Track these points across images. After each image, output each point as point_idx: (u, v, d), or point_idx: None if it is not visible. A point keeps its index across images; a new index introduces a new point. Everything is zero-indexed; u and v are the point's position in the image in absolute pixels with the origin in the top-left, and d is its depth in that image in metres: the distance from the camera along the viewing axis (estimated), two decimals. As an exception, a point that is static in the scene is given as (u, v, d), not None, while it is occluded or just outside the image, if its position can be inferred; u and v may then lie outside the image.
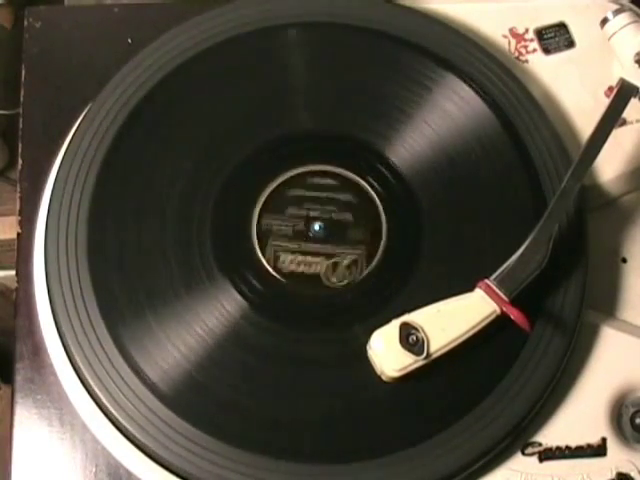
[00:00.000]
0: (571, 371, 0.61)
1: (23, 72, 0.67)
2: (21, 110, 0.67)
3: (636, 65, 0.65)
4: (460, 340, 0.57)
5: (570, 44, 0.70)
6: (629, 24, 0.68)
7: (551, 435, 0.60)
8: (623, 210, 0.67)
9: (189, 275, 0.60)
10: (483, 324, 0.57)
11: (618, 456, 0.60)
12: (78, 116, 0.65)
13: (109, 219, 0.61)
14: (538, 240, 0.59)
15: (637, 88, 0.64)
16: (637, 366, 0.61)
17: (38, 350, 0.61)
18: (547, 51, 0.70)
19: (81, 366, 0.58)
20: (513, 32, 0.70)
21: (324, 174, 0.64)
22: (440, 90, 0.66)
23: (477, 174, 0.64)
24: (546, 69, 0.69)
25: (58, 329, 0.60)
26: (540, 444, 0.60)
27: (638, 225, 0.66)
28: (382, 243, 0.63)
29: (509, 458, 0.59)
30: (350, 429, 0.58)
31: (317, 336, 0.60)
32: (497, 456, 0.59)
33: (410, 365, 0.56)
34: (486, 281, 0.58)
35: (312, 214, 0.63)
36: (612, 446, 0.60)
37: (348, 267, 0.61)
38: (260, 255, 0.62)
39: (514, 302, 0.57)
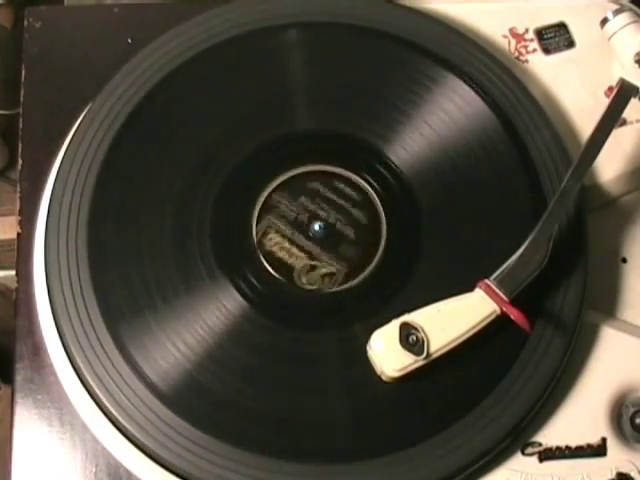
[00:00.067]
0: (571, 371, 0.61)
1: (23, 72, 0.67)
2: (21, 110, 0.67)
3: (636, 65, 0.65)
4: (460, 340, 0.57)
5: (570, 44, 0.70)
6: (629, 24, 0.68)
7: (551, 435, 0.60)
8: (623, 210, 0.67)
9: (189, 275, 0.60)
10: (483, 324, 0.57)
11: (618, 456, 0.60)
12: (78, 116, 0.65)
13: (109, 219, 0.61)
14: (538, 240, 0.59)
15: (637, 88, 0.64)
16: (637, 366, 0.61)
17: (38, 350, 0.61)
18: (547, 51, 0.70)
19: (81, 366, 0.58)
20: (513, 32, 0.70)
21: (352, 184, 0.63)
22: (440, 90, 0.66)
23: (477, 174, 0.64)
24: (546, 69, 0.69)
25: (58, 329, 0.60)
26: (540, 444, 0.60)
27: (638, 225, 0.66)
28: (382, 243, 0.63)
29: (509, 458, 0.59)
30: (350, 429, 0.58)
31: (317, 336, 0.60)
32: (497, 456, 0.59)
33: (410, 365, 0.56)
34: (486, 281, 0.58)
35: (320, 213, 0.63)
36: (612, 446, 0.60)
37: (322, 276, 0.61)
38: (260, 255, 0.62)
39: (514, 302, 0.57)
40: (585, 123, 0.67)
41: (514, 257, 0.58)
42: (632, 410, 0.61)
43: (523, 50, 0.70)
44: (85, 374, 0.58)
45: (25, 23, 0.69)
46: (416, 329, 0.57)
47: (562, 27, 0.71)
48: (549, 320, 0.60)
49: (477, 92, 0.66)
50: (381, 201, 0.64)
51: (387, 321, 0.57)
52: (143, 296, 0.59)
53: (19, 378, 0.60)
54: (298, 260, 0.62)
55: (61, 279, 0.60)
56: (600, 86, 0.69)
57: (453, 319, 0.57)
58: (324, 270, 0.61)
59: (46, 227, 0.61)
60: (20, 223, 0.64)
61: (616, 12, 0.68)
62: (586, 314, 0.62)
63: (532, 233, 0.59)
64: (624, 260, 0.66)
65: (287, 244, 0.62)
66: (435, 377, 0.58)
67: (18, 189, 0.65)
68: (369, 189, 0.64)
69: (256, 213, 0.63)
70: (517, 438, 0.59)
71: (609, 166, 0.66)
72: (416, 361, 0.56)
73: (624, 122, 0.67)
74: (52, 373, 0.60)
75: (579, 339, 0.61)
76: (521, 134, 0.65)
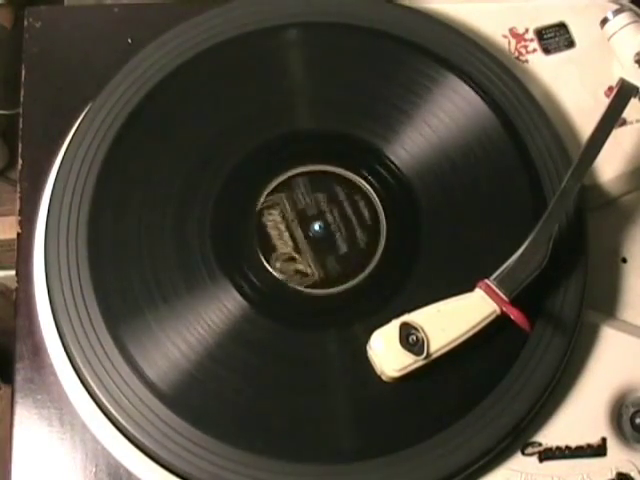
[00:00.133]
0: (571, 371, 0.61)
1: (23, 72, 0.67)
2: (21, 110, 0.67)
3: (636, 65, 0.65)
4: (460, 340, 0.57)
5: (570, 44, 0.70)
6: (629, 24, 0.68)
7: (551, 435, 0.60)
8: (623, 210, 0.67)
9: (189, 275, 0.60)
10: (483, 324, 0.57)
11: (618, 456, 0.60)
12: (78, 116, 0.65)
13: (109, 219, 0.61)
14: (538, 240, 0.59)
15: (637, 88, 0.64)
16: (637, 366, 0.61)
17: (38, 350, 0.61)
18: (547, 51, 0.70)
19: (81, 366, 0.58)
20: (513, 32, 0.70)
21: (370, 204, 0.63)
22: (440, 90, 0.66)
23: (477, 174, 0.64)
24: (546, 69, 0.69)
25: (58, 329, 0.60)
26: (540, 444, 0.60)
27: (638, 225, 0.66)
28: (382, 243, 0.63)
29: (509, 458, 0.59)
30: (350, 429, 0.58)
31: (317, 336, 0.60)
32: (497, 456, 0.59)
33: (410, 365, 0.56)
34: (486, 281, 0.58)
35: (328, 217, 0.63)
36: (612, 446, 0.60)
37: (296, 271, 0.61)
38: (261, 255, 0.62)
39: (514, 302, 0.57)
40: (585, 123, 0.67)
41: (514, 257, 0.58)
42: (632, 410, 0.61)
43: (523, 50, 0.70)
44: (85, 374, 0.58)
45: (25, 23, 0.69)
46: (416, 329, 0.57)
47: (562, 27, 0.71)
48: (549, 320, 0.60)
49: (477, 92, 0.66)
50: (381, 201, 0.64)
51: (387, 321, 0.57)
52: (143, 296, 0.59)
53: (19, 378, 0.60)
54: (283, 246, 0.62)
55: (61, 279, 0.60)
56: (600, 86, 0.69)
57: (453, 319, 0.57)
58: (300, 267, 0.61)
59: (46, 227, 0.61)
60: (20, 223, 0.64)
61: (616, 12, 0.68)
62: (586, 314, 0.62)
63: (532, 233, 0.59)
64: (624, 260, 0.66)
65: (283, 227, 0.62)
66: (435, 377, 0.58)
67: (18, 189, 0.65)
68: (369, 189, 0.64)
69: (256, 212, 0.63)
70: (517, 438, 0.59)
71: (609, 166, 0.66)
72: (416, 361, 0.56)
73: (624, 122, 0.67)
74: (52, 373, 0.60)
75: (579, 339, 0.61)
76: (521, 134, 0.65)
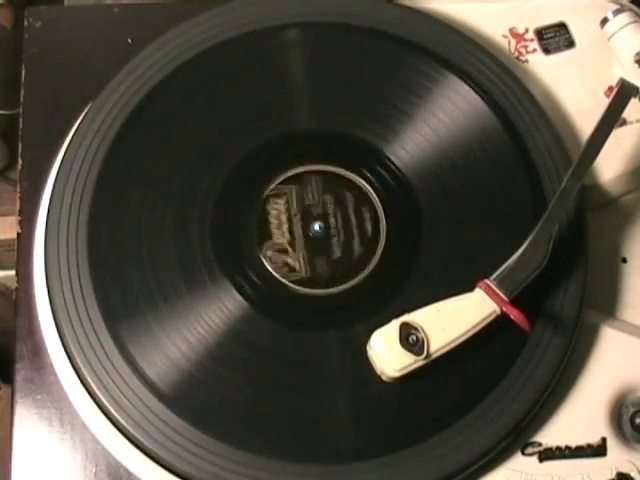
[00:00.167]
0: (571, 371, 0.61)
1: (23, 72, 0.67)
2: (21, 110, 0.67)
3: (636, 65, 0.65)
4: (460, 340, 0.57)
5: (570, 44, 0.70)
6: (629, 24, 0.68)
7: (551, 435, 0.60)
8: (623, 210, 0.67)
9: (190, 275, 0.60)
10: (483, 324, 0.57)
11: (618, 456, 0.60)
12: (78, 116, 0.65)
13: (109, 219, 0.61)
14: (538, 240, 0.59)
15: (637, 88, 0.64)
16: (637, 366, 0.61)
17: (38, 350, 0.61)
18: (547, 51, 0.70)
19: (81, 366, 0.58)
20: (513, 32, 0.70)
21: (375, 219, 0.63)
22: (440, 90, 0.66)
23: (477, 174, 0.64)
24: (546, 69, 0.69)
25: (58, 329, 0.60)
26: (540, 444, 0.60)
27: (638, 225, 0.66)
28: (382, 243, 0.63)
29: (509, 458, 0.59)
30: (350, 429, 0.58)
31: (317, 335, 0.60)
32: (497, 456, 0.59)
33: (410, 365, 0.56)
34: (486, 281, 0.58)
35: (331, 220, 0.63)
36: (612, 446, 0.60)
37: (284, 263, 0.61)
38: (261, 256, 0.62)
39: (514, 302, 0.57)
40: (585, 123, 0.67)
41: (514, 257, 0.58)
42: (632, 410, 0.61)
43: (523, 50, 0.70)
44: (85, 374, 0.58)
45: (25, 23, 0.69)
46: (416, 329, 0.57)
47: (562, 27, 0.71)
48: (549, 320, 0.60)
49: (477, 92, 0.66)
50: (381, 201, 0.64)
51: (387, 321, 0.57)
52: (143, 296, 0.59)
53: (19, 378, 0.60)
54: (279, 236, 0.62)
55: (61, 279, 0.60)
56: (600, 86, 0.69)
57: (453, 319, 0.57)
58: (290, 260, 0.61)
59: (46, 227, 0.61)
60: (20, 223, 0.64)
61: (616, 12, 0.68)
62: (586, 314, 0.62)
63: (532, 233, 0.59)
64: (624, 260, 0.66)
65: (284, 218, 0.62)
66: (435, 377, 0.58)
67: (18, 189, 0.65)
68: (369, 189, 0.64)
69: (256, 212, 0.62)
70: (517, 438, 0.59)
71: (609, 166, 0.66)
72: (416, 361, 0.56)
73: (624, 122, 0.67)
74: (52, 373, 0.60)
75: (579, 339, 0.61)
76: (521, 134, 0.65)
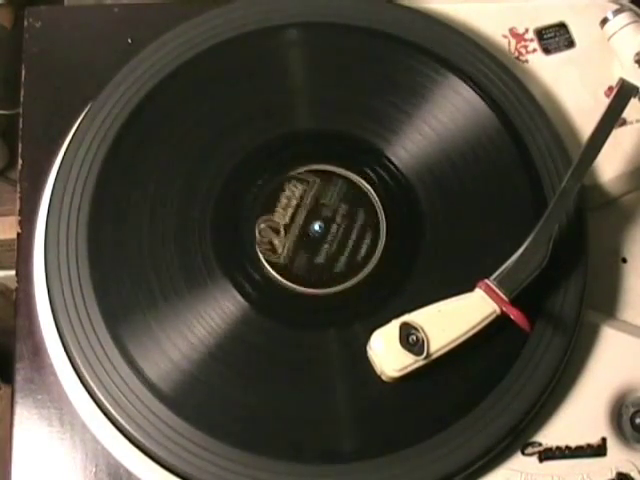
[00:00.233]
0: (571, 371, 0.61)
1: (23, 72, 0.67)
2: (21, 110, 0.67)
3: (636, 65, 0.65)
4: (460, 340, 0.57)
5: (570, 44, 0.70)
6: (629, 24, 0.68)
7: (551, 435, 0.60)
8: (623, 210, 0.67)
9: (190, 275, 0.60)
10: (483, 324, 0.57)
11: (618, 456, 0.60)
12: (78, 116, 0.65)
13: (109, 219, 0.61)
14: (538, 240, 0.59)
15: (637, 88, 0.64)
16: (637, 366, 0.61)
17: (38, 350, 0.61)
18: (547, 51, 0.70)
19: (81, 366, 0.58)
20: (513, 32, 0.70)
21: (375, 226, 0.63)
22: (440, 90, 0.66)
23: (477, 174, 0.64)
24: (546, 69, 0.69)
25: (58, 329, 0.60)
26: (540, 444, 0.60)
27: (638, 225, 0.66)
28: (382, 243, 0.63)
29: (509, 458, 0.59)
30: (350, 429, 0.58)
31: (317, 336, 0.60)
32: (497, 456, 0.59)
33: (410, 365, 0.56)
34: (486, 281, 0.58)
35: (332, 227, 0.62)
36: (612, 446, 0.60)
37: (269, 242, 0.61)
38: (261, 256, 0.62)
39: (514, 302, 0.57)
40: (585, 123, 0.67)
41: (514, 257, 0.58)
42: (632, 410, 0.61)
43: (523, 50, 0.70)
44: (85, 374, 0.58)
45: (25, 23, 0.69)
46: (416, 329, 0.57)
47: (562, 27, 0.71)
48: (549, 320, 0.60)
49: (477, 92, 0.66)
50: (381, 201, 0.64)
51: (387, 321, 0.57)
52: (143, 296, 0.59)
53: (19, 378, 0.60)
54: (280, 216, 0.62)
55: (61, 279, 0.60)
56: (600, 86, 0.69)
57: (453, 319, 0.57)
58: (276, 242, 0.61)
59: (46, 227, 0.61)
60: (20, 223, 0.64)
61: (616, 12, 0.68)
62: (586, 314, 0.62)
63: (532, 233, 0.59)
64: (624, 260, 0.66)
65: (294, 203, 0.62)
66: (435, 377, 0.58)
67: (18, 189, 0.65)
68: (369, 189, 0.64)
69: (257, 212, 0.62)
70: (517, 438, 0.59)
71: (609, 166, 0.66)
72: (416, 361, 0.56)
73: (624, 122, 0.67)
74: (52, 373, 0.60)
75: (579, 339, 0.61)
76: (521, 134, 0.65)
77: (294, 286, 0.61)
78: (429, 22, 0.69)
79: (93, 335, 0.58)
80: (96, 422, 0.59)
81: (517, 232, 0.60)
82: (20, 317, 0.62)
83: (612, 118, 0.62)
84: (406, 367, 0.56)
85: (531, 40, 0.70)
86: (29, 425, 0.59)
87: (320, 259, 0.62)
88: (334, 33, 0.68)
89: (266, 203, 0.62)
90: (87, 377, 0.58)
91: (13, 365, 0.61)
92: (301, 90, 0.67)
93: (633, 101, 0.64)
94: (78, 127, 0.64)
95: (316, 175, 0.64)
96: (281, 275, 0.61)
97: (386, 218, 0.63)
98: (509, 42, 0.70)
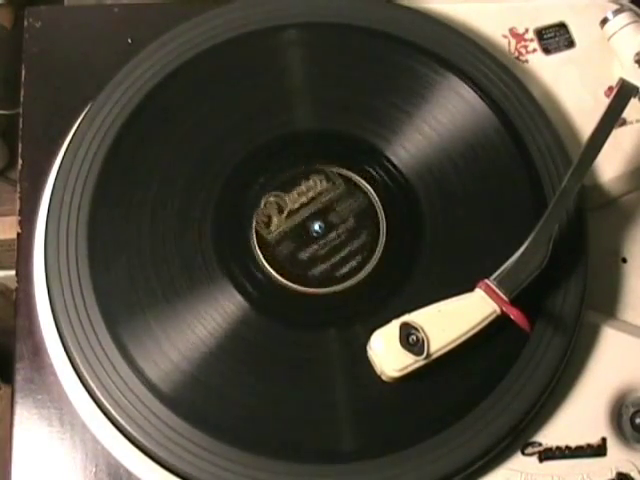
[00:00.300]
0: (571, 371, 0.61)
1: (23, 72, 0.67)
2: (21, 110, 0.67)
3: (636, 65, 0.65)
4: (460, 340, 0.57)
5: (570, 44, 0.70)
6: (629, 24, 0.68)
7: (551, 435, 0.60)
8: (623, 210, 0.67)
9: (190, 275, 0.60)
10: (483, 324, 0.57)
11: (618, 456, 0.60)
12: (78, 116, 0.65)
13: (109, 219, 0.61)
14: (538, 240, 0.59)
15: (637, 88, 0.64)
16: (637, 366, 0.61)
17: (38, 350, 0.61)
18: (547, 51, 0.70)
19: (81, 366, 0.58)
20: (513, 32, 0.70)
21: (374, 228, 0.63)
22: (440, 90, 0.66)
23: (477, 174, 0.64)
24: (546, 69, 0.69)
25: (58, 329, 0.60)
26: (540, 444, 0.60)
27: (638, 225, 0.66)
28: (382, 243, 0.63)
29: (509, 458, 0.59)
30: (350, 429, 0.58)
31: (317, 336, 0.60)
32: (497, 456, 0.59)
33: (410, 365, 0.56)
34: (486, 281, 0.58)
35: (332, 234, 0.62)
36: (612, 446, 0.60)
37: (268, 217, 0.62)
38: (261, 256, 0.62)
39: (514, 302, 0.57)
40: (585, 123, 0.67)
41: (514, 257, 0.58)
42: (632, 410, 0.61)
43: (523, 50, 0.70)
44: (85, 374, 0.58)
45: (25, 23, 0.69)
46: (416, 329, 0.57)
47: (562, 27, 0.71)
48: (549, 320, 0.60)
49: (477, 92, 0.66)
50: (381, 201, 0.64)
51: (387, 321, 0.57)
52: (143, 296, 0.59)
53: (19, 378, 0.60)
54: (292, 200, 0.63)
55: (61, 279, 0.60)
56: (600, 86, 0.69)
57: (453, 319, 0.57)
58: (275, 219, 0.62)
59: (46, 227, 0.61)
60: (20, 223, 0.64)
61: (616, 12, 0.68)
62: (586, 314, 0.62)
63: (532, 233, 0.59)
64: (624, 260, 0.66)
65: (310, 194, 0.63)
66: (435, 377, 0.58)
67: (18, 189, 0.65)
68: (369, 189, 0.64)
69: (257, 212, 0.62)
70: (517, 438, 0.59)
71: (609, 166, 0.66)
72: (416, 361, 0.56)
73: (624, 122, 0.67)
74: (52, 373, 0.60)
75: (579, 339, 0.61)
76: (521, 134, 0.65)
77: (294, 286, 0.61)
78: (429, 22, 0.69)
79: (93, 335, 0.58)
80: (96, 422, 0.59)
81: (517, 232, 0.60)
82: (20, 317, 0.62)
83: (612, 118, 0.62)
84: (406, 367, 0.56)
85: (531, 40, 0.70)
86: (29, 425, 0.59)
87: (303, 256, 0.62)
88: (334, 33, 0.68)
89: (287, 181, 0.63)
90: (87, 377, 0.58)
91: (13, 365, 0.61)
92: (301, 90, 0.67)
93: (633, 101, 0.64)
94: (78, 127, 0.64)
95: (344, 180, 0.64)
96: (261, 250, 0.61)
97: (386, 218, 0.63)
98: (509, 42, 0.70)
